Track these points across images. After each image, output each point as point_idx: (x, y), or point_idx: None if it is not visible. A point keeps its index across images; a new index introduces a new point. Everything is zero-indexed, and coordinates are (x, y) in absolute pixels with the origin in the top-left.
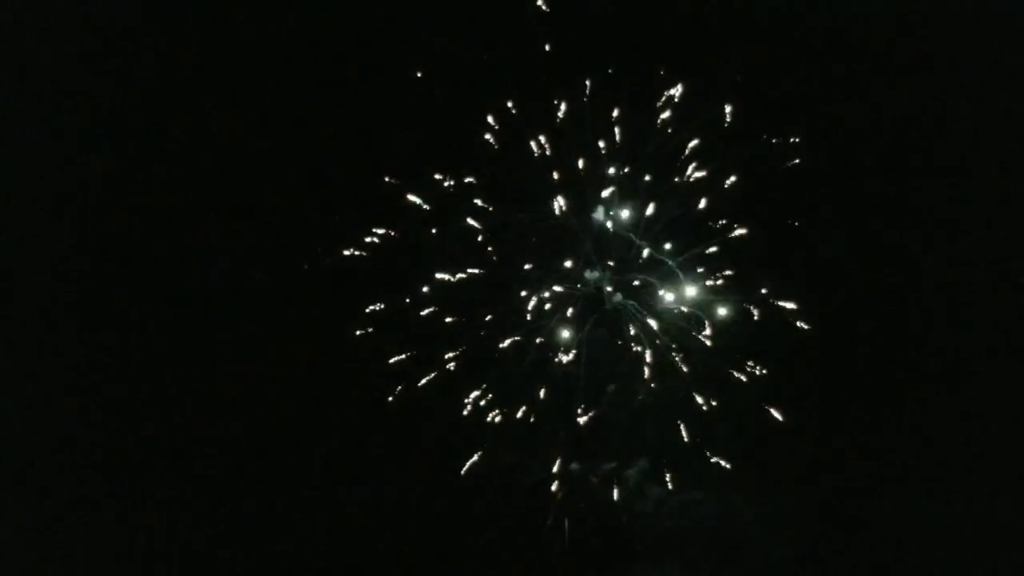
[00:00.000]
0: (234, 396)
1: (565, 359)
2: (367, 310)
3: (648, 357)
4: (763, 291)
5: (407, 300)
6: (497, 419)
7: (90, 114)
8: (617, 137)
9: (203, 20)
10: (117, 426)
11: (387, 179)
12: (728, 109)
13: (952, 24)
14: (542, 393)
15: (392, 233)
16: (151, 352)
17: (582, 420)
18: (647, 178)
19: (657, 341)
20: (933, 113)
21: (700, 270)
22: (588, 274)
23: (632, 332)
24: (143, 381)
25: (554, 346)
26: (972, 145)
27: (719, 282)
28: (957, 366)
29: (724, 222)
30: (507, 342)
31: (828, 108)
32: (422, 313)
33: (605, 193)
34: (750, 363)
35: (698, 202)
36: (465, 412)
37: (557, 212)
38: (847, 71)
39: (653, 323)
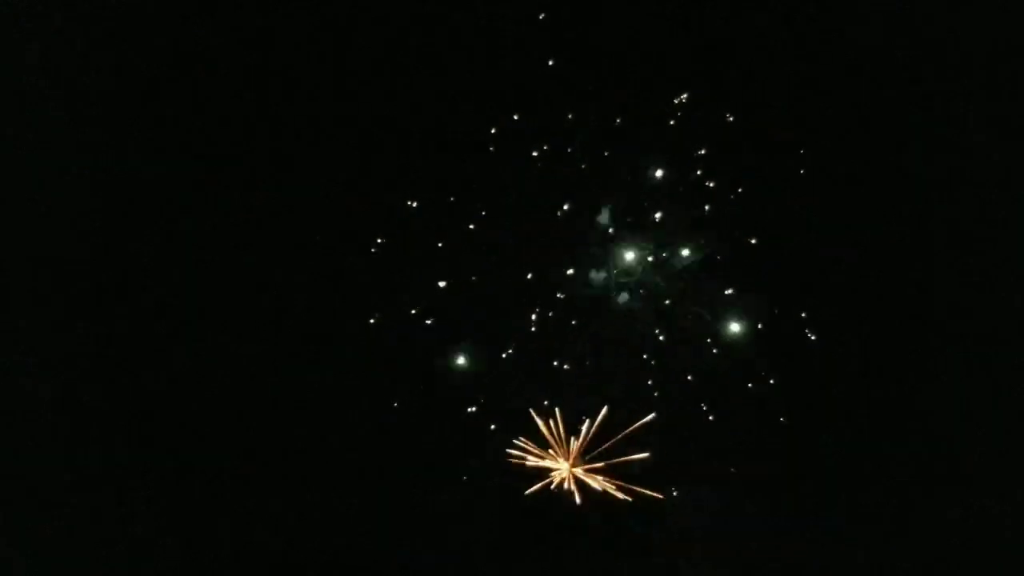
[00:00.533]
0: (236, 400)
1: (568, 363)
2: (370, 320)
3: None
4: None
5: (413, 311)
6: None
7: (96, 114)
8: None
9: (210, 21)
10: (117, 433)
11: (393, 189)
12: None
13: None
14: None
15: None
16: (149, 356)
17: (586, 422)
18: (658, 173)
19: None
20: (944, 117)
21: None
22: (594, 275)
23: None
24: (142, 383)
25: (559, 347)
26: (981, 150)
27: (728, 291)
28: (965, 371)
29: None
30: (512, 346)
31: (835, 113)
32: (427, 322)
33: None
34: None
35: (705, 206)
36: (470, 412)
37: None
38: (854, 75)
39: (660, 334)
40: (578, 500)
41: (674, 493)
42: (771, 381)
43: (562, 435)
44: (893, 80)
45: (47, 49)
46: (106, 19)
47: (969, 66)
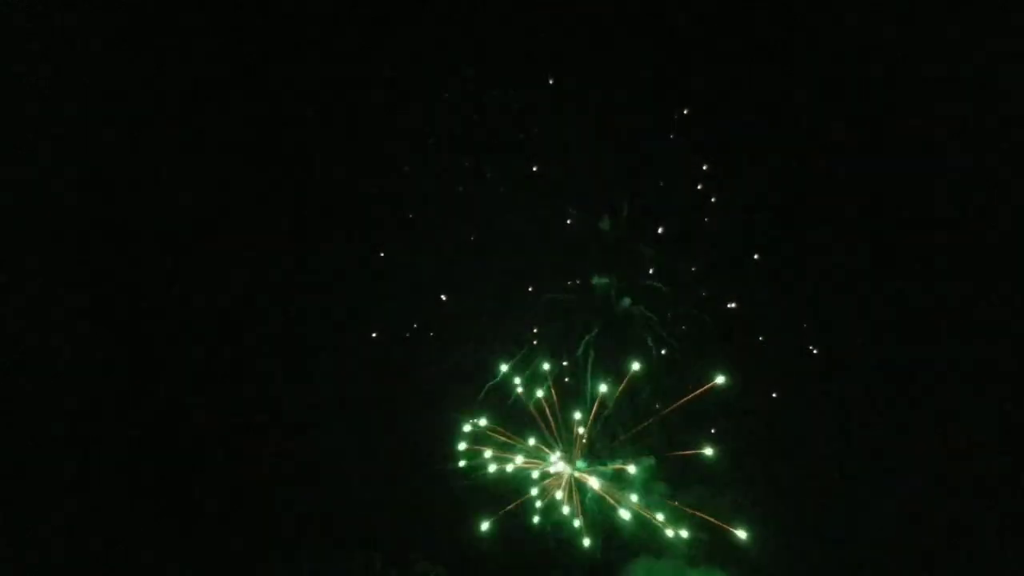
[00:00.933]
0: (238, 404)
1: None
2: (372, 335)
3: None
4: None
5: (414, 325)
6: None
7: (96, 115)
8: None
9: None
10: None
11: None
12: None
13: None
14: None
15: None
16: (150, 363)
17: (585, 425)
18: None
19: (664, 351)
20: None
21: (705, 294)
22: (596, 280)
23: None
24: (145, 389)
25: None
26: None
27: (732, 305)
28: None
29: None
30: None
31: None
32: (431, 334)
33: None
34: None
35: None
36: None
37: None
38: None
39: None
40: (576, 506)
41: (675, 502)
42: (773, 395)
43: (560, 436)
44: (891, 92)
45: (47, 49)
46: (106, 19)
47: (969, 71)
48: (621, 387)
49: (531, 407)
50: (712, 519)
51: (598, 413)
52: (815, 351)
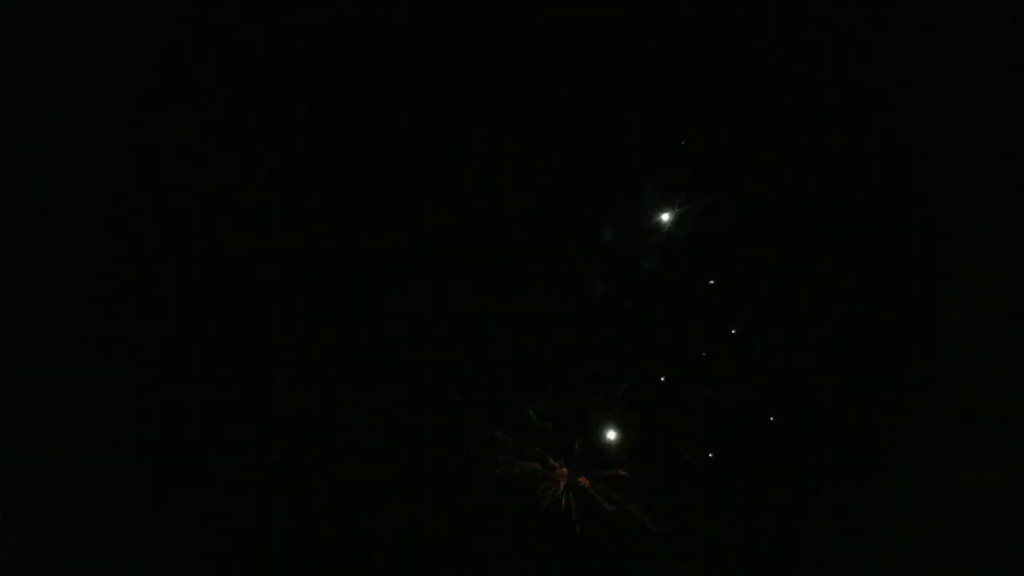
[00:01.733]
0: (245, 410)
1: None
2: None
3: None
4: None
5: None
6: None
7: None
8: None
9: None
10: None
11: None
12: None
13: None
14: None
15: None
16: (156, 366)
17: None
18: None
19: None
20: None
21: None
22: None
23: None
24: (151, 392)
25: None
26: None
27: (732, 332)
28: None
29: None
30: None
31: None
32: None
33: None
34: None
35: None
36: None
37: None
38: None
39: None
40: (573, 509)
41: (674, 506)
42: (771, 418)
43: (559, 439)
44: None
45: (47, 49)
46: (105, 20)
47: (968, 82)
48: (621, 391)
49: (530, 409)
50: (709, 524)
51: (598, 416)
52: (815, 376)
